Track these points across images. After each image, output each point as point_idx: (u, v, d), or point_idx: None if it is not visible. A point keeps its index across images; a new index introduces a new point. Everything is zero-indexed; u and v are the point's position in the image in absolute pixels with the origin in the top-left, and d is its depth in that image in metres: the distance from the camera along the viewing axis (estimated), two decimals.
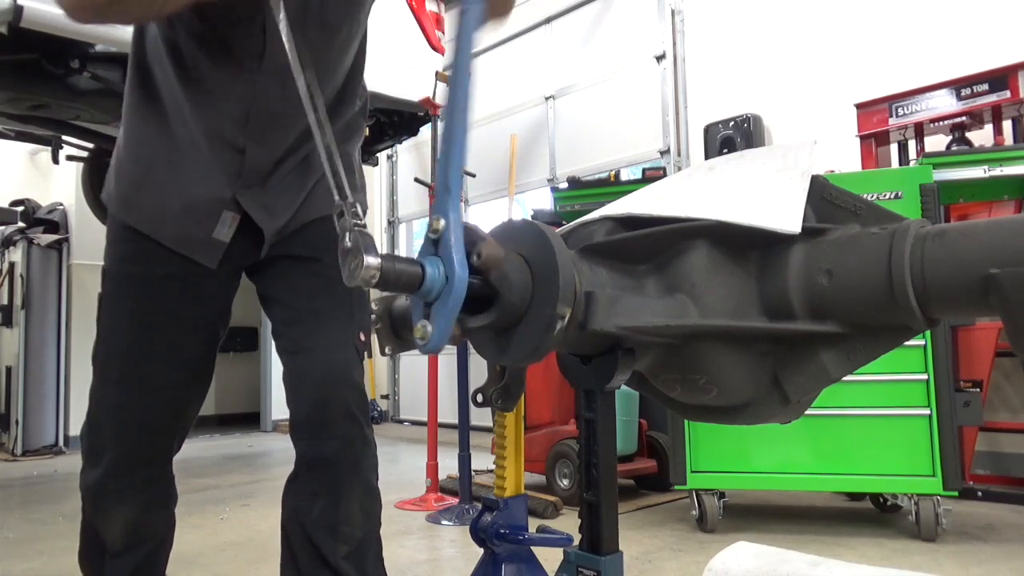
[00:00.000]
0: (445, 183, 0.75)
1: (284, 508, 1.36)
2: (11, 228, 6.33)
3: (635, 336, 0.77)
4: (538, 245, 0.74)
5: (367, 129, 4.85)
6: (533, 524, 1.62)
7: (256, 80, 1.24)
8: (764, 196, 0.80)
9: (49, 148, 4.72)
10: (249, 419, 7.55)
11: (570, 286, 0.73)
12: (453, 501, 3.53)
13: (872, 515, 3.23)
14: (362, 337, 1.37)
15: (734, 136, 4.56)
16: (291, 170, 1.35)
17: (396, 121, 4.70)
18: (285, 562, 1.36)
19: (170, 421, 1.35)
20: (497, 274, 0.73)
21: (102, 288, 1.33)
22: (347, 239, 0.75)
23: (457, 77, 0.80)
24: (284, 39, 1.07)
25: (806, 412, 0.87)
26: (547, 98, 6.26)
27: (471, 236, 0.73)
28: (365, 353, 1.39)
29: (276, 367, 7.18)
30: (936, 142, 3.79)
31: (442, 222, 0.72)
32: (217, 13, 1.18)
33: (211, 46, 1.21)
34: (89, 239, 6.15)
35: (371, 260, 0.71)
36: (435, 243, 0.73)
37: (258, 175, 1.31)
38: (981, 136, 3.70)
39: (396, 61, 4.14)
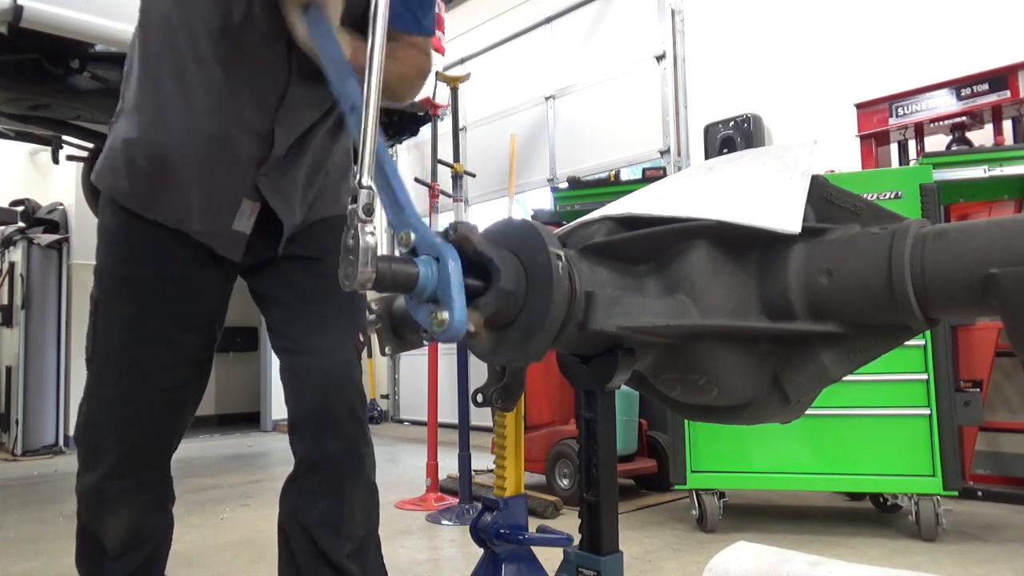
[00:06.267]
0: (396, 205, 0.82)
1: (282, 508, 1.36)
2: (11, 228, 6.33)
3: (635, 336, 0.77)
4: (526, 236, 0.76)
5: None
6: (533, 524, 1.62)
7: (294, 60, 1.23)
8: (764, 196, 0.80)
9: (49, 148, 4.72)
10: (249, 419, 7.54)
11: (554, 239, 0.75)
12: (453, 501, 3.53)
13: (872, 515, 3.23)
14: (361, 338, 1.37)
15: (734, 136, 4.56)
16: (303, 166, 1.34)
17: (396, 121, 4.70)
18: (283, 562, 1.36)
19: (169, 421, 1.34)
20: (479, 239, 0.75)
21: (96, 288, 1.31)
22: (350, 236, 0.75)
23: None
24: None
25: (806, 412, 0.87)
26: (547, 98, 6.26)
27: (442, 230, 0.77)
28: (362, 353, 1.40)
29: (276, 367, 7.12)
30: (936, 142, 3.78)
31: (411, 234, 0.76)
32: None
33: (258, 24, 1.19)
34: (89, 239, 6.06)
35: (368, 264, 0.72)
36: (412, 252, 0.76)
37: (275, 162, 1.30)
38: (981, 136, 3.70)
39: None
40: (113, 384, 1.29)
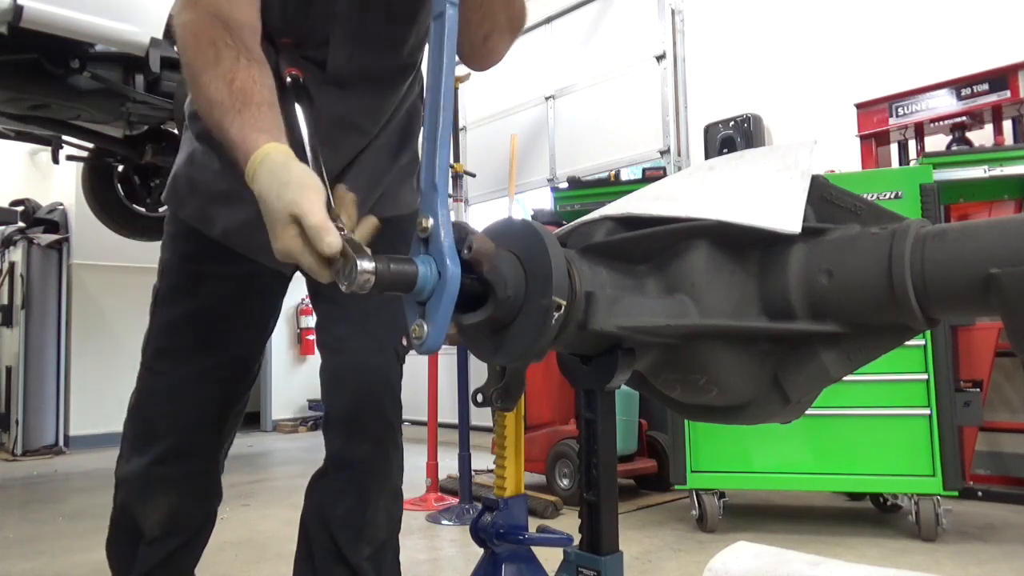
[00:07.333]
0: (432, 182, 0.77)
1: (307, 502, 1.37)
2: (11, 228, 6.33)
3: (635, 336, 0.77)
4: (530, 242, 0.75)
5: None
6: (533, 524, 1.62)
7: (321, 89, 1.24)
8: (764, 196, 0.80)
9: (49, 148, 4.73)
10: (249, 419, 7.54)
11: (563, 278, 0.73)
12: (453, 501, 3.53)
13: (872, 515, 3.23)
14: (404, 341, 1.38)
15: (734, 136, 4.55)
16: (359, 174, 1.35)
17: None
18: (300, 556, 1.37)
19: (222, 414, 1.37)
20: (489, 267, 0.73)
21: (160, 281, 1.35)
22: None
23: (439, 78, 0.81)
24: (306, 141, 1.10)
25: (806, 412, 0.87)
26: (547, 98, 6.26)
27: (460, 232, 0.74)
28: (405, 355, 1.40)
29: (276, 367, 7.19)
30: (936, 142, 3.78)
31: (430, 220, 0.73)
32: (290, 24, 1.20)
33: (282, 55, 1.22)
34: (89, 239, 6.15)
35: (365, 264, 0.71)
36: (425, 242, 0.73)
37: (329, 178, 1.31)
38: (981, 136, 3.70)
39: None
40: (169, 374, 1.32)
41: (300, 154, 1.13)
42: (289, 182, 0.89)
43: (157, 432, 1.32)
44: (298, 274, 1.43)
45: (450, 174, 4.04)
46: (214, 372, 1.33)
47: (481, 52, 1.27)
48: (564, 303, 0.72)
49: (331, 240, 0.81)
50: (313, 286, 1.42)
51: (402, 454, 1.39)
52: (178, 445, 1.32)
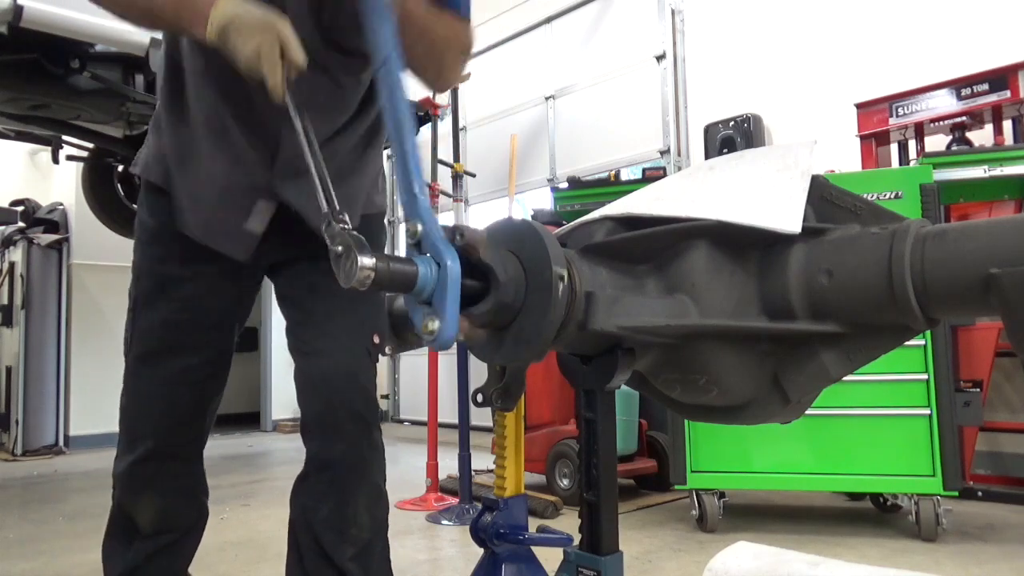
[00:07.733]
0: (410, 191, 0.80)
1: (293, 506, 1.38)
2: (11, 228, 6.33)
3: (635, 336, 0.77)
4: (528, 239, 0.75)
5: None
6: (533, 524, 1.62)
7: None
8: (764, 196, 0.80)
9: (49, 148, 4.73)
10: (249, 419, 7.53)
11: (560, 254, 0.74)
12: (453, 501, 3.53)
13: (872, 515, 3.23)
14: (375, 339, 1.37)
15: (734, 136, 4.55)
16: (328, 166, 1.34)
17: None
18: (291, 559, 1.38)
19: (198, 414, 1.40)
20: (485, 251, 0.74)
21: (134, 286, 1.38)
22: (337, 244, 0.77)
23: (396, 112, 0.87)
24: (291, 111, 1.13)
25: (806, 412, 0.87)
26: (547, 98, 6.26)
27: (450, 227, 0.75)
28: (378, 354, 1.40)
29: (276, 367, 7.19)
30: (936, 142, 3.78)
31: (418, 225, 0.75)
32: None
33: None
34: (89, 239, 6.14)
35: (365, 260, 0.71)
36: (417, 245, 0.74)
37: (295, 166, 1.29)
38: (981, 136, 3.70)
39: None
40: (148, 378, 1.35)
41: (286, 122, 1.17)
42: (260, 9, 1.02)
43: (138, 434, 1.35)
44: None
45: (450, 174, 3.97)
46: (187, 374, 1.35)
47: (438, 85, 1.36)
48: (566, 272, 0.73)
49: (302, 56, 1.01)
50: (281, 290, 1.43)
51: (383, 453, 1.39)
52: (158, 447, 1.35)
